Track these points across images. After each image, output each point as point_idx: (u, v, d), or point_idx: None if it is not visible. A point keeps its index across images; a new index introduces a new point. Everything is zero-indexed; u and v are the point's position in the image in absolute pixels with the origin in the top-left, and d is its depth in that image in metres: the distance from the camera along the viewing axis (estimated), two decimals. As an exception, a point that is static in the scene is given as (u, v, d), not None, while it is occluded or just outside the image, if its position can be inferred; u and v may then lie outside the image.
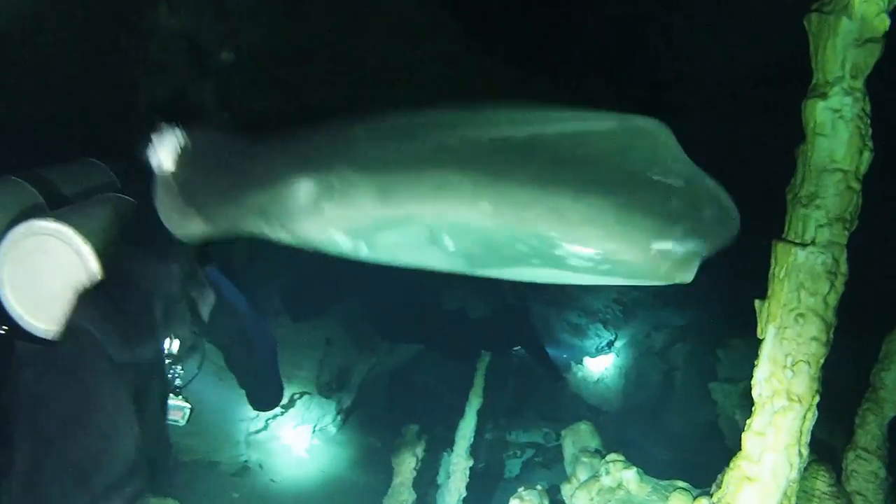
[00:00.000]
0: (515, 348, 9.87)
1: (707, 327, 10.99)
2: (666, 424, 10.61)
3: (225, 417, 8.53)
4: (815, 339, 2.75)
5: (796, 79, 3.01)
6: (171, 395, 2.84)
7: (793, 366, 2.75)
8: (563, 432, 5.05)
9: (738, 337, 9.58)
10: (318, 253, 2.09)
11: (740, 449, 3.00)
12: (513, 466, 10.13)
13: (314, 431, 9.70)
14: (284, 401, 8.73)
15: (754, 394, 2.89)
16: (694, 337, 11.12)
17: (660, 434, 10.41)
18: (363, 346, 9.88)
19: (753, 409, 2.92)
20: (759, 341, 2.94)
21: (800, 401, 2.76)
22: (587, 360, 11.28)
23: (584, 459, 4.23)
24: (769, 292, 2.87)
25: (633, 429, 10.44)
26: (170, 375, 2.80)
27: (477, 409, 6.20)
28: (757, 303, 2.92)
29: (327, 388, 9.70)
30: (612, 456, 4.03)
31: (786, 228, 2.88)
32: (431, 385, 11.73)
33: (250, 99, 5.76)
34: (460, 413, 10.66)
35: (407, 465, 5.59)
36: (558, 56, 6.58)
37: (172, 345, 2.63)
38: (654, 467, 9.47)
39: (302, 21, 5.52)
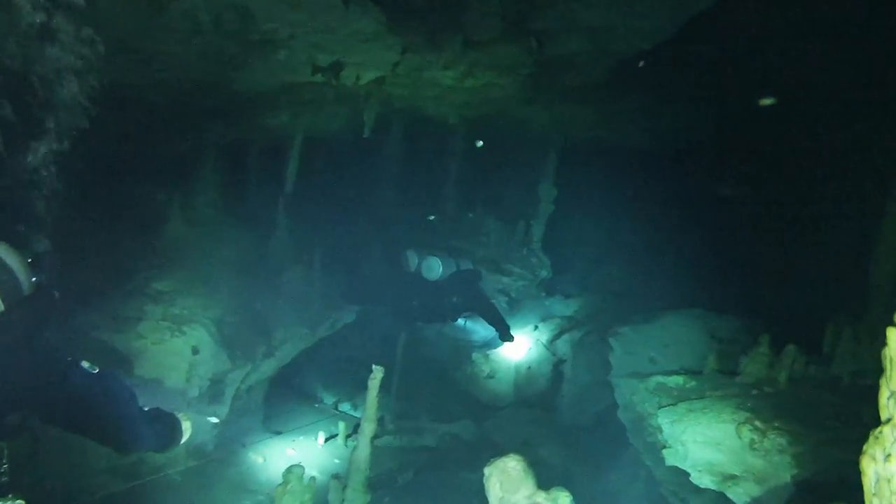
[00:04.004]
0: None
1: (593, 316, 9.84)
2: (559, 418, 9.33)
3: (81, 444, 6.62)
4: None
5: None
6: None
7: None
8: (486, 469, 3.50)
9: (628, 325, 8.58)
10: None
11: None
12: (405, 473, 8.51)
13: (187, 451, 7.74)
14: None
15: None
16: (581, 327, 9.87)
17: (553, 428, 9.11)
18: (236, 353, 8.02)
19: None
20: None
21: None
22: (476, 356, 9.82)
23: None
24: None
25: (528, 426, 9.08)
26: None
27: (371, 437, 4.51)
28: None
29: (198, 402, 7.81)
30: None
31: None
32: (313, 390, 10.15)
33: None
34: (342, 417, 9.21)
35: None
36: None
37: None
38: (552, 463, 8.14)
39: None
